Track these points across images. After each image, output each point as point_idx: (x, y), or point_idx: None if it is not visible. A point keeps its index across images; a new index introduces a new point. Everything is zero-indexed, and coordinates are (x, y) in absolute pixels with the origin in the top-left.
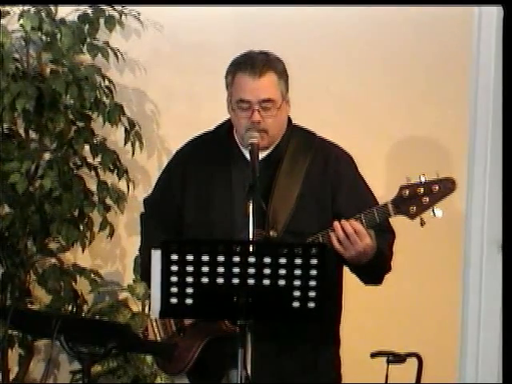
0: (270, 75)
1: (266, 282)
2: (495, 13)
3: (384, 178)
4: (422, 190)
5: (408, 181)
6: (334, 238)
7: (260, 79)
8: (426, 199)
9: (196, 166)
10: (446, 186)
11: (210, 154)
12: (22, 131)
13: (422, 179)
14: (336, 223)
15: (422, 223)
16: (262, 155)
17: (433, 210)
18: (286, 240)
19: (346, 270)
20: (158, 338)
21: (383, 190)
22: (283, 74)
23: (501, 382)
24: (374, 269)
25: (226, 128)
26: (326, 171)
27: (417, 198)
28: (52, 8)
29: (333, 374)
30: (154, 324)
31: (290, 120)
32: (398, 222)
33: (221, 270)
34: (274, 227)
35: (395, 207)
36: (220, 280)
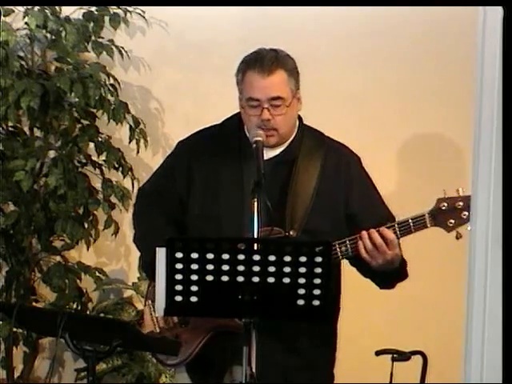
0: (280, 73)
1: (271, 279)
2: (500, 12)
3: (392, 177)
4: (461, 203)
5: (445, 194)
6: (361, 247)
7: (269, 77)
8: (466, 213)
9: (204, 157)
10: None
11: (218, 147)
12: (26, 129)
13: (460, 192)
14: (364, 232)
15: (458, 237)
16: (275, 152)
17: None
18: (302, 239)
19: (347, 267)
20: (157, 329)
21: (392, 188)
22: (293, 72)
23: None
24: (397, 276)
25: (236, 122)
26: (339, 172)
27: (456, 212)
28: (57, 6)
29: (329, 373)
30: (154, 313)
31: (300, 118)
32: None
33: (226, 267)
34: (292, 226)
35: (433, 219)
36: (225, 278)
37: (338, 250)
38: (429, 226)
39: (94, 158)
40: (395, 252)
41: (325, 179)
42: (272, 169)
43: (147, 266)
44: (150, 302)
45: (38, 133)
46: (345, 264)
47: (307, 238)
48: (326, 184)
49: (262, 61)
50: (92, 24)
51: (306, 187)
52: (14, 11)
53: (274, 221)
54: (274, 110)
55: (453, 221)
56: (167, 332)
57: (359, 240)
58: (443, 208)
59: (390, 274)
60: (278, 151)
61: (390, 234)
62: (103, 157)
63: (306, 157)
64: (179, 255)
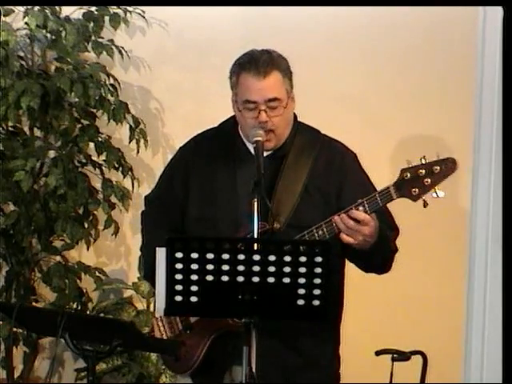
0: (275, 74)
1: (271, 279)
2: (500, 12)
3: (389, 177)
4: (423, 171)
5: (409, 164)
6: (342, 234)
7: (265, 79)
8: (428, 180)
9: (200, 161)
10: (448, 166)
11: (214, 149)
12: (26, 129)
13: (423, 161)
14: (336, 218)
15: (425, 205)
16: (267, 151)
17: (435, 192)
18: (289, 233)
19: (348, 268)
20: (165, 338)
21: None
22: (287, 72)
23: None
24: (382, 249)
25: (231, 124)
26: (332, 167)
27: (419, 180)
28: (57, 6)
29: (333, 371)
30: (160, 323)
31: (295, 116)
32: (402, 220)
33: (225, 267)
34: (277, 219)
35: (397, 190)
36: (225, 278)
37: (315, 235)
38: (394, 197)
39: (94, 158)
40: (371, 224)
41: (316, 175)
42: (264, 166)
43: (149, 275)
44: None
45: (38, 133)
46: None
47: (294, 233)
48: (317, 180)
49: (257, 63)
50: (92, 24)
51: (295, 182)
52: (14, 11)
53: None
54: (271, 111)
55: (416, 189)
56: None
57: (336, 229)
58: (406, 178)
59: (378, 250)
60: (270, 150)
61: (359, 214)
62: (103, 157)
63: (297, 153)
64: (179, 255)
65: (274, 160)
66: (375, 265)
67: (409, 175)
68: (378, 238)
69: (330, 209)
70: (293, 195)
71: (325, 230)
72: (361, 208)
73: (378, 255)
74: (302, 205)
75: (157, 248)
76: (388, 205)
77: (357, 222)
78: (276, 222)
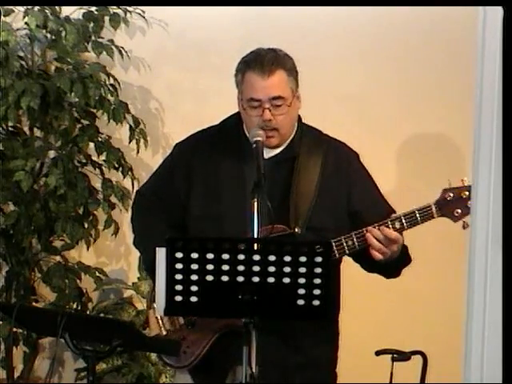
0: (280, 73)
1: (271, 279)
2: (500, 12)
3: (391, 177)
4: (467, 193)
5: (450, 184)
6: (373, 251)
7: (269, 78)
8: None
9: (203, 158)
10: None
11: (218, 147)
12: (26, 129)
13: (466, 183)
14: (368, 235)
15: (465, 226)
16: (276, 151)
17: None
18: (306, 237)
19: (346, 267)
20: (164, 331)
21: (391, 187)
22: (293, 71)
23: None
24: (403, 262)
25: (235, 122)
26: (339, 169)
27: (462, 201)
28: (57, 6)
29: (332, 371)
30: (159, 316)
31: (299, 117)
32: None
33: (226, 267)
34: (297, 223)
35: (439, 209)
36: (225, 278)
37: (344, 244)
38: (435, 216)
39: (94, 157)
40: (400, 242)
41: (326, 176)
42: (273, 168)
43: (149, 268)
44: (154, 305)
45: (37, 133)
46: (344, 264)
47: (311, 236)
48: (327, 181)
49: (262, 61)
50: (92, 24)
51: (308, 184)
52: (14, 11)
53: (278, 218)
54: (275, 110)
55: (459, 210)
56: (174, 334)
57: (368, 246)
58: (449, 198)
59: (396, 263)
60: (278, 150)
61: (391, 233)
62: (103, 157)
63: (306, 155)
64: (179, 255)
65: (284, 163)
66: (390, 273)
67: (452, 195)
68: (402, 252)
69: (340, 212)
70: (308, 198)
71: (355, 240)
72: (397, 223)
73: (397, 266)
74: (316, 207)
75: (157, 248)
76: None
77: (387, 239)
78: (297, 226)
